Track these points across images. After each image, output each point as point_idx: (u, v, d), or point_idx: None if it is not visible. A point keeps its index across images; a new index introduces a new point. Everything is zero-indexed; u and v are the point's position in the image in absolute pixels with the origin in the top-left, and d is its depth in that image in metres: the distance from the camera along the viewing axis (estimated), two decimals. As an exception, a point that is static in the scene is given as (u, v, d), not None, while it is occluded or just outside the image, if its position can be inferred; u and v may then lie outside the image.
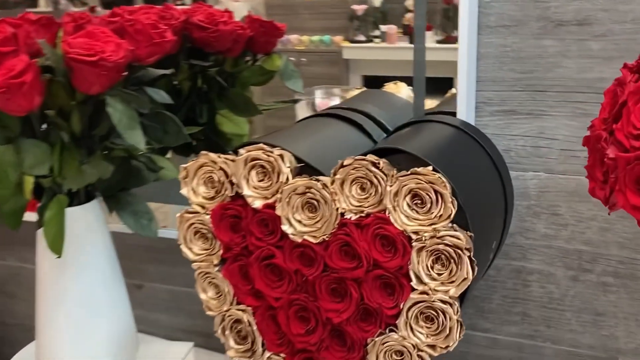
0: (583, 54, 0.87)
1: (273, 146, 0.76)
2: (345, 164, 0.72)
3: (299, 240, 0.74)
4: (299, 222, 0.75)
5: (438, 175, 0.69)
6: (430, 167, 0.70)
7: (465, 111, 0.90)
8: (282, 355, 0.81)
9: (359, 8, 1.16)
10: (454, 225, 0.70)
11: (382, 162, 0.71)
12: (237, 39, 1.05)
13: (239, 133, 1.15)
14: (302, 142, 0.81)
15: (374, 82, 1.15)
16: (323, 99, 1.19)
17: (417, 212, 0.71)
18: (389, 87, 1.18)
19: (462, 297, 0.73)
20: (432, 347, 0.72)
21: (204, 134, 1.08)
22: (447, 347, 0.71)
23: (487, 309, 1.00)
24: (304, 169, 0.76)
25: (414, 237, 0.71)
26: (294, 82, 1.13)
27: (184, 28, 0.99)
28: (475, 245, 0.73)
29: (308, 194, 0.74)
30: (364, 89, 1.17)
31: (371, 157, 0.71)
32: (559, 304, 0.95)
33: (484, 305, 1.00)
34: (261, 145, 0.76)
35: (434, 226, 0.70)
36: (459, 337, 0.71)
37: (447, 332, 0.71)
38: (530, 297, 0.97)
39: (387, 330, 0.74)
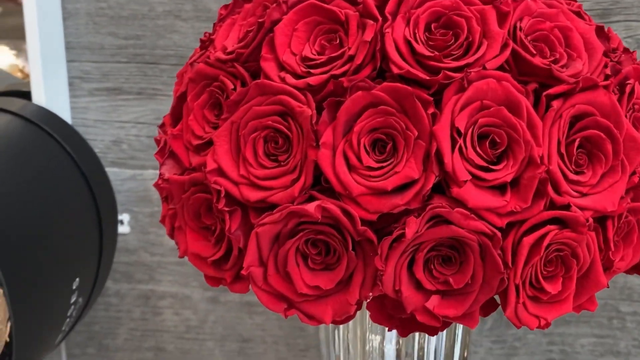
0: (201, 16, 0.66)
1: None
2: None
3: None
4: None
5: None
6: None
7: (45, 90, 0.64)
8: None
9: None
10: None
11: None
12: None
13: None
14: None
15: None
16: None
17: None
18: (-16, 51, 0.88)
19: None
20: None
21: None
22: None
23: (112, 346, 0.77)
24: None
25: None
26: None
27: None
28: (22, 300, 0.49)
29: None
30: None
31: None
32: (198, 332, 0.76)
33: (108, 342, 0.77)
34: None
35: None
36: None
37: None
38: (163, 327, 0.76)
39: None
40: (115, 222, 0.65)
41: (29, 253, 0.51)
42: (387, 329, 0.48)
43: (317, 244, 0.35)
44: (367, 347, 0.49)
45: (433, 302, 0.34)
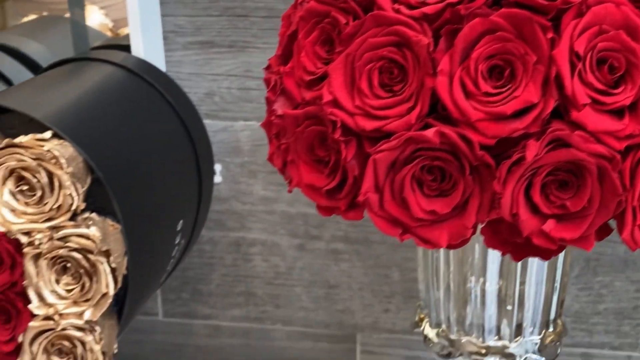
0: (289, -34, 0.67)
1: None
2: None
3: None
4: None
5: (48, 147, 0.46)
6: (48, 133, 0.47)
7: (143, 44, 0.67)
8: None
9: None
10: (91, 216, 0.49)
11: (-37, 131, 0.47)
12: None
13: None
14: None
15: None
16: None
17: (25, 203, 0.47)
18: (76, 12, 0.91)
19: (120, 313, 0.53)
20: (74, 388, 0.51)
21: None
22: (92, 387, 0.50)
23: (205, 291, 0.81)
24: None
25: (24, 240, 0.48)
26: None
27: None
28: (136, 237, 0.52)
29: None
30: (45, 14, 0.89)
31: (-55, 124, 0.47)
32: (286, 278, 0.78)
33: (202, 287, 0.80)
34: None
35: (50, 223, 0.47)
36: (107, 372, 0.50)
37: (89, 368, 0.50)
38: (253, 273, 0.79)
39: (6, 373, 0.51)
40: (212, 169, 0.68)
41: (141, 193, 0.54)
42: (487, 270, 0.49)
43: (433, 170, 0.37)
44: (468, 286, 0.50)
45: (550, 226, 0.35)
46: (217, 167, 0.75)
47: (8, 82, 0.65)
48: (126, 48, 0.68)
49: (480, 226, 0.38)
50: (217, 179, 0.75)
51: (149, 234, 0.55)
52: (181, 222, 0.61)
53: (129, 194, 0.51)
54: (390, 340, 0.79)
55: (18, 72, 0.66)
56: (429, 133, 0.35)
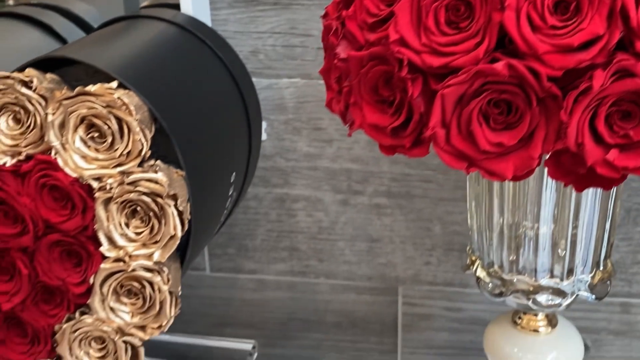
0: None
1: None
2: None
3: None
4: None
5: (117, 95, 0.48)
6: (114, 83, 0.49)
7: (191, 3, 0.68)
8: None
9: None
10: (157, 163, 0.51)
11: (37, 80, 0.49)
12: None
13: None
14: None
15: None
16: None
17: (96, 149, 0.49)
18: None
19: (183, 257, 0.55)
20: (142, 328, 0.53)
21: None
22: (160, 326, 0.53)
23: (251, 246, 0.83)
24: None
25: (95, 185, 0.50)
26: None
27: None
28: (197, 184, 0.54)
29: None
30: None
31: (19, 74, 0.48)
32: (329, 233, 0.80)
33: (247, 242, 0.83)
34: None
35: (121, 168, 0.49)
36: (174, 312, 0.52)
37: (158, 308, 0.52)
38: (297, 228, 0.81)
39: (77, 313, 0.54)
40: (260, 124, 0.69)
41: (200, 143, 0.55)
42: (541, 215, 0.50)
43: (500, 104, 0.38)
44: (521, 231, 0.52)
45: (613, 155, 0.37)
46: (262, 125, 0.76)
47: (64, 41, 0.67)
48: (174, 7, 0.69)
49: (544, 158, 0.39)
50: (262, 136, 0.77)
51: (208, 183, 0.57)
52: (234, 174, 0.63)
53: (190, 143, 0.53)
54: (432, 292, 0.81)
55: (72, 32, 0.68)
56: (498, 66, 0.36)
